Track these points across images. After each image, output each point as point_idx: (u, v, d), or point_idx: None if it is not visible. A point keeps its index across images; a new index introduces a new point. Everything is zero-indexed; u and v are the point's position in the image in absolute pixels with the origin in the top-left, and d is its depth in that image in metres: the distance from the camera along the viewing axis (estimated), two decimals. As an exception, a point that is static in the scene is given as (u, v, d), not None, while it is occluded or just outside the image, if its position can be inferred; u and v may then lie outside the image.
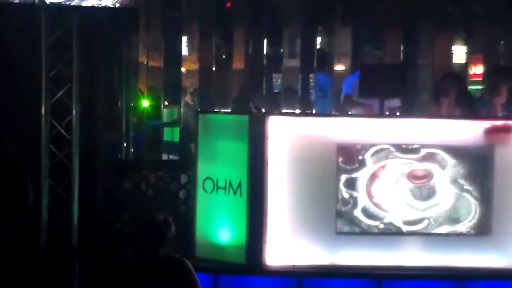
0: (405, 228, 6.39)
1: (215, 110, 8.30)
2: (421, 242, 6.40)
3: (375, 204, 6.37)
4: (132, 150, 8.79)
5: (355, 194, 6.36)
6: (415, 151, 6.37)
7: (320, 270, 6.33)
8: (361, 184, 6.36)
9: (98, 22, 7.06)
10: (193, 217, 6.62)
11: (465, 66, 9.90)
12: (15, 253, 6.01)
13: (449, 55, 9.75)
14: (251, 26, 9.44)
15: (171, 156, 9.05)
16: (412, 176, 6.39)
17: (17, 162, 5.12)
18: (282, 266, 6.32)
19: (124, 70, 8.60)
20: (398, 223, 6.38)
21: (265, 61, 9.28)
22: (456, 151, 6.39)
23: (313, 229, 6.34)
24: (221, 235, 6.47)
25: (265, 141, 6.30)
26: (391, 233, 6.39)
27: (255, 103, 9.18)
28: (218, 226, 6.49)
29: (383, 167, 6.37)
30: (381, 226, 6.38)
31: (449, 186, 6.39)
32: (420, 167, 6.38)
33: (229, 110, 8.97)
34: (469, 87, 9.35)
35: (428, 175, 6.39)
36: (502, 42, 9.75)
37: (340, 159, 6.35)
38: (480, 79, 10.58)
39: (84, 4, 6.57)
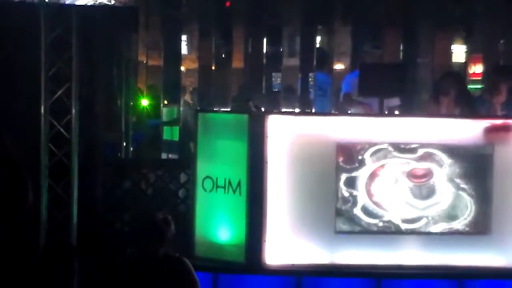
0: (404, 226, 6.39)
1: (214, 109, 8.29)
2: (421, 241, 6.40)
3: (375, 203, 6.37)
4: (131, 149, 8.78)
5: (354, 192, 6.36)
6: (413, 150, 6.37)
7: (319, 269, 6.34)
8: (360, 183, 6.36)
9: (98, 21, 7.05)
10: (193, 216, 6.61)
11: (464, 65, 9.90)
12: (14, 252, 6.01)
13: (449, 54, 9.75)
14: (251, 25, 9.43)
15: (170, 155, 9.04)
16: (412, 175, 6.39)
17: (16, 162, 5.11)
18: (281, 265, 6.32)
19: (123, 69, 8.59)
20: (397, 221, 6.38)
21: (264, 60, 9.27)
22: (455, 150, 6.39)
23: (312, 228, 6.34)
24: (221, 234, 6.47)
25: (264, 140, 6.30)
26: (391, 232, 6.39)
27: (254, 102, 9.18)
28: (218, 225, 6.49)
29: (382, 166, 6.37)
30: (380, 224, 6.38)
31: (447, 185, 6.39)
32: (420, 166, 6.38)
33: (228, 109, 8.97)
34: (468, 86, 9.35)
35: (427, 174, 6.39)
36: (501, 41, 9.75)
37: (340, 158, 6.35)
38: (479, 78, 10.57)
39: (81, 3, 6.56)
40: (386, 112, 7.50)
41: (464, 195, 6.40)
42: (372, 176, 6.37)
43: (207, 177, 6.55)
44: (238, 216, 6.38)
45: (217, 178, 6.49)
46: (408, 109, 8.49)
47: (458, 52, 10.19)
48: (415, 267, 6.38)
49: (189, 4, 8.98)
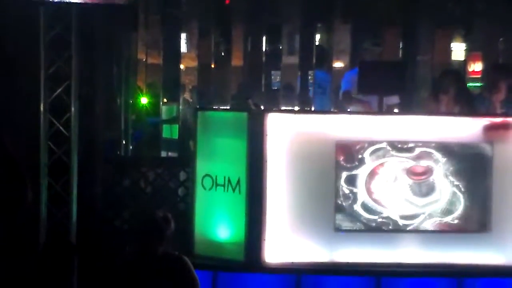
0: (402, 222, 6.38)
1: (214, 107, 8.29)
2: (420, 239, 6.41)
3: (374, 200, 6.37)
4: (131, 147, 8.78)
5: (354, 190, 6.36)
6: (412, 148, 6.37)
7: (319, 267, 6.34)
8: (360, 181, 6.36)
9: (97, 19, 7.05)
10: (192, 214, 6.61)
11: (464, 63, 9.89)
12: (14, 250, 6.01)
13: (448, 52, 9.75)
14: (250, 23, 9.43)
15: (170, 153, 9.04)
16: (411, 172, 6.39)
17: (15, 160, 5.11)
18: (281, 263, 6.32)
19: (123, 67, 8.59)
20: (395, 217, 6.38)
21: (264, 58, 9.27)
22: (455, 149, 6.39)
23: (312, 226, 6.34)
24: (220, 232, 6.47)
25: (264, 138, 6.30)
26: (390, 230, 6.39)
27: (254, 100, 9.18)
28: (217, 223, 6.49)
29: (382, 164, 6.37)
30: (379, 220, 6.38)
31: (448, 184, 6.39)
32: (419, 164, 6.38)
33: (228, 107, 8.97)
34: (468, 84, 9.35)
35: (427, 171, 6.39)
36: (501, 39, 9.75)
37: (339, 156, 6.35)
38: (479, 76, 10.57)
39: (81, 1, 6.56)
40: (385, 110, 7.52)
41: (465, 194, 6.41)
42: (372, 174, 6.37)
43: (207, 175, 6.55)
44: (237, 214, 6.38)
45: (216, 176, 6.49)
46: (408, 107, 8.49)
47: (458, 50, 10.18)
48: (415, 265, 6.38)
49: (188, 2, 8.97)
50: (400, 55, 9.35)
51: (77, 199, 6.79)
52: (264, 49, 9.28)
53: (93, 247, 6.84)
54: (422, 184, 6.41)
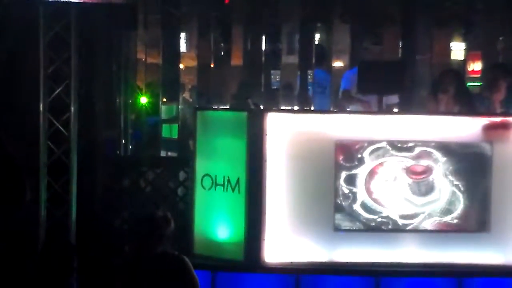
0: (401, 222, 6.38)
1: (213, 107, 8.29)
2: (420, 239, 6.41)
3: (374, 200, 6.37)
4: (130, 147, 8.78)
5: (354, 189, 6.36)
6: (414, 147, 6.37)
7: (318, 267, 6.34)
8: (359, 181, 6.36)
9: (97, 19, 7.05)
10: (192, 214, 6.62)
11: (463, 63, 9.90)
12: (13, 250, 6.02)
13: (448, 51, 9.75)
14: (250, 23, 9.43)
15: (169, 153, 9.04)
16: (411, 171, 6.39)
17: (15, 159, 5.12)
18: (280, 263, 6.32)
19: (122, 67, 8.59)
20: (395, 217, 6.38)
21: (263, 58, 9.26)
22: (454, 148, 6.39)
23: (311, 226, 6.34)
24: (220, 232, 6.47)
25: (263, 137, 6.30)
26: (389, 229, 6.39)
27: (253, 99, 9.18)
28: (217, 223, 6.49)
29: (381, 164, 6.37)
30: (379, 219, 6.38)
31: (447, 183, 6.39)
32: (419, 163, 6.38)
33: (227, 107, 8.97)
34: (467, 84, 9.35)
35: (427, 171, 6.39)
36: (500, 39, 9.75)
37: (339, 156, 6.35)
38: (478, 75, 10.58)
39: (80, 0, 6.56)
40: (385, 110, 7.52)
41: (465, 193, 6.41)
42: (371, 173, 6.37)
43: (206, 175, 6.55)
44: (237, 214, 6.38)
45: (216, 176, 6.49)
46: (407, 107, 8.49)
47: (457, 49, 10.19)
48: (414, 265, 6.38)
49: (188, 2, 8.97)
50: (400, 54, 9.35)
51: (76, 198, 6.79)
52: (263, 48, 9.27)
53: (92, 247, 6.84)
54: (421, 183, 6.41)
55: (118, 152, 8.44)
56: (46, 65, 6.66)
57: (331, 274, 6.36)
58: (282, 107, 9.07)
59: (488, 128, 6.42)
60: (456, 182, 6.39)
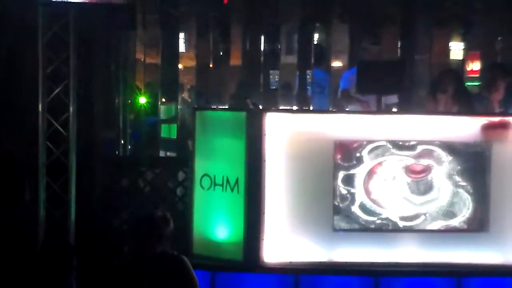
0: (402, 223, 6.39)
1: (212, 107, 8.29)
2: (419, 238, 6.40)
3: (373, 200, 6.37)
4: (129, 147, 8.78)
5: (352, 190, 6.36)
6: (413, 147, 6.37)
7: (317, 267, 6.33)
8: (358, 181, 6.36)
9: (95, 19, 7.04)
10: (191, 214, 6.61)
11: (462, 63, 9.90)
12: (12, 250, 6.02)
13: (447, 51, 9.76)
14: (249, 23, 9.43)
15: (168, 153, 9.05)
16: (410, 171, 6.39)
17: (14, 159, 5.13)
18: (279, 263, 6.32)
19: (121, 67, 8.59)
20: (395, 219, 6.38)
21: (262, 58, 9.27)
22: (453, 148, 6.39)
23: (310, 226, 6.34)
24: (219, 232, 6.47)
25: (262, 137, 6.29)
26: (389, 229, 6.39)
27: (252, 99, 9.18)
28: (216, 223, 6.48)
29: (380, 163, 6.37)
30: (378, 221, 6.38)
31: (446, 182, 6.39)
32: (419, 162, 6.38)
33: (226, 107, 8.97)
34: (466, 84, 9.35)
35: (426, 170, 6.39)
36: (499, 39, 9.76)
37: (338, 156, 6.35)
38: (477, 75, 10.59)
39: (79, 0, 6.55)
40: (384, 110, 7.52)
41: (462, 192, 6.41)
42: (370, 173, 6.37)
43: (205, 175, 6.54)
44: (236, 214, 6.38)
45: (215, 176, 6.49)
46: (406, 106, 8.50)
47: (456, 49, 10.19)
48: (413, 264, 6.38)
49: (186, 2, 8.97)
50: (399, 54, 9.36)
51: (75, 199, 6.79)
52: (262, 48, 9.28)
53: (91, 247, 6.84)
54: (420, 182, 6.40)
55: (117, 152, 8.45)
56: (45, 65, 6.66)
57: (330, 274, 6.35)
58: (281, 107, 9.08)
59: (487, 128, 6.41)
60: (455, 182, 6.39)
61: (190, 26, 9.95)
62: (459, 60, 10.04)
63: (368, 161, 6.36)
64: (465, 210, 6.41)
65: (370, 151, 6.35)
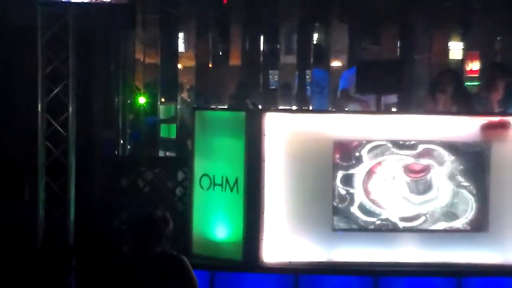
0: (402, 225, 6.39)
1: (211, 107, 8.29)
2: (418, 238, 6.40)
3: (372, 201, 6.37)
4: (128, 147, 8.78)
5: (351, 190, 6.36)
6: (412, 147, 6.37)
7: (317, 266, 6.33)
8: (357, 181, 6.36)
9: (95, 18, 7.04)
10: (190, 214, 6.61)
11: (461, 62, 9.91)
12: (11, 250, 6.01)
13: (446, 51, 9.76)
14: (248, 23, 9.43)
15: (168, 153, 9.04)
16: (409, 170, 6.39)
17: (13, 159, 5.12)
18: (279, 263, 6.32)
19: (120, 67, 8.58)
20: (395, 219, 6.38)
21: (261, 58, 9.28)
22: (453, 147, 6.39)
23: (310, 226, 6.34)
24: (218, 232, 6.47)
25: (261, 137, 6.29)
26: (388, 229, 6.39)
27: (251, 99, 9.19)
28: (215, 223, 6.48)
29: (379, 163, 6.37)
30: (378, 222, 6.38)
31: (446, 182, 6.39)
32: (418, 162, 6.38)
33: (225, 107, 8.98)
34: (465, 83, 9.36)
35: (425, 169, 6.39)
36: (498, 39, 9.77)
37: (337, 156, 6.35)
38: (476, 75, 10.60)
39: (78, 0, 6.55)
40: (384, 109, 7.52)
41: (464, 192, 6.40)
42: (369, 173, 6.37)
43: (205, 175, 6.54)
44: (235, 214, 6.38)
45: (214, 176, 6.49)
46: (405, 106, 8.50)
47: (455, 49, 10.20)
48: (413, 264, 6.38)
49: (186, 2, 8.97)
50: (398, 54, 9.37)
51: (74, 199, 6.78)
52: (262, 48, 9.29)
53: (91, 247, 6.83)
54: (419, 181, 6.40)
55: (116, 152, 8.44)
56: (44, 65, 6.65)
57: (329, 274, 6.35)
58: (280, 107, 9.09)
59: (486, 128, 6.41)
60: (456, 182, 6.39)
61: (189, 26, 9.96)
62: (458, 60, 10.05)
63: (368, 161, 6.36)
64: (468, 212, 6.40)
65: (370, 151, 6.35)
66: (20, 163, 6.47)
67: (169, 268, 5.48)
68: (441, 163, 6.39)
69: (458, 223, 6.40)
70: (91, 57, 7.38)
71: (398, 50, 9.36)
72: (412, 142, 6.37)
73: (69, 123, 6.74)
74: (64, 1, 6.57)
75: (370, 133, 6.37)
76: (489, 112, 7.36)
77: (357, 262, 6.35)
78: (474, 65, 10.95)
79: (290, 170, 6.35)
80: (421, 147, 6.37)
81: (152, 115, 9.02)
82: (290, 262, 6.32)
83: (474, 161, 6.40)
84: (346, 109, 8.39)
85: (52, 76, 6.70)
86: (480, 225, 6.41)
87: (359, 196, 6.36)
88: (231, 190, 6.40)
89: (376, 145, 6.35)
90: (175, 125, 8.93)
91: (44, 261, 6.50)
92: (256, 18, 9.29)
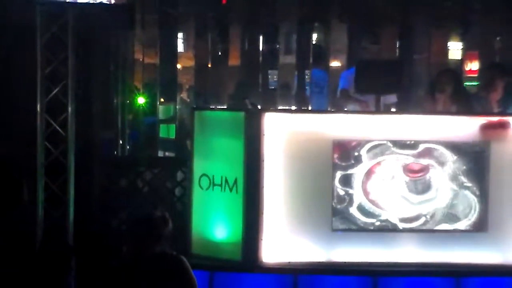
0: (402, 226, 6.38)
1: (211, 107, 8.29)
2: (417, 238, 6.40)
3: (371, 201, 6.37)
4: (128, 147, 8.78)
5: (350, 191, 6.36)
6: (413, 146, 6.36)
7: (316, 267, 6.33)
8: (356, 181, 6.36)
9: (94, 18, 7.04)
10: (189, 214, 6.61)
11: (460, 62, 9.91)
12: (10, 250, 6.01)
13: (445, 51, 9.76)
14: (247, 23, 9.43)
15: (167, 153, 9.04)
16: (408, 170, 6.39)
17: (12, 159, 5.12)
18: (278, 263, 6.32)
19: (119, 67, 8.58)
20: (395, 221, 6.38)
21: (261, 58, 9.28)
22: (451, 147, 6.39)
23: (309, 226, 6.33)
24: (217, 232, 6.47)
25: (261, 138, 6.29)
26: (388, 229, 6.38)
27: (251, 99, 9.19)
28: (214, 223, 6.48)
29: (379, 163, 6.37)
30: (377, 223, 6.38)
31: (445, 182, 6.39)
32: (418, 161, 6.38)
33: (225, 107, 8.98)
34: (464, 83, 9.36)
35: (424, 169, 6.39)
36: (498, 38, 9.77)
37: (336, 156, 6.35)
38: (475, 75, 10.60)
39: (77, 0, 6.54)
40: (383, 109, 7.52)
41: (467, 193, 6.40)
42: (369, 173, 6.37)
43: (204, 175, 6.54)
44: (234, 214, 6.38)
45: (213, 176, 6.49)
46: (404, 106, 8.50)
47: (454, 49, 10.20)
48: (412, 264, 6.38)
49: (185, 2, 8.97)
50: (397, 54, 9.37)
51: (74, 199, 6.78)
52: (261, 48, 9.28)
53: (90, 248, 6.83)
54: (417, 181, 6.40)
55: (115, 152, 8.44)
56: (43, 65, 6.65)
57: (329, 274, 6.35)
58: (280, 107, 9.08)
59: (486, 128, 6.41)
60: (455, 182, 6.38)
61: (188, 26, 9.95)
62: (458, 59, 10.05)
63: (367, 161, 6.36)
64: (472, 214, 6.40)
65: (369, 150, 6.35)
66: (19, 163, 6.47)
67: (169, 268, 5.48)
68: (440, 163, 6.38)
69: (461, 225, 6.39)
70: (90, 57, 7.38)
71: (397, 50, 9.36)
72: (412, 142, 6.37)
73: (68, 123, 6.74)
74: (63, 1, 6.57)
75: (369, 133, 6.37)
76: (488, 112, 7.36)
77: (356, 262, 6.35)
78: (473, 65, 10.95)
79: (290, 170, 6.35)
80: (421, 147, 6.36)
81: (151, 115, 9.02)
82: (289, 262, 6.32)
83: (474, 161, 6.40)
84: (346, 109, 8.40)
85: (51, 76, 6.70)
86: (479, 225, 6.41)
87: (358, 197, 6.36)
88: (230, 190, 6.40)
89: (376, 144, 6.35)
90: (174, 125, 8.93)
91: (43, 262, 6.50)
92: (255, 18, 9.29)
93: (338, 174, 6.34)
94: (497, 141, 6.42)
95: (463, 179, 6.40)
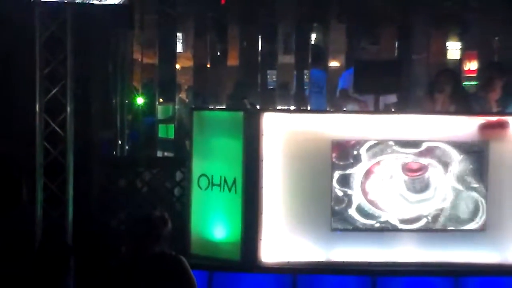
0: (402, 228, 6.38)
1: (209, 107, 8.29)
2: (416, 238, 6.41)
3: (370, 202, 6.37)
4: (127, 147, 8.77)
5: (349, 191, 6.36)
6: (415, 144, 6.36)
7: (315, 266, 6.34)
8: (355, 181, 6.36)
9: (93, 18, 7.04)
10: (188, 214, 6.61)
11: (459, 62, 9.91)
12: (10, 250, 6.01)
13: (444, 51, 9.76)
14: (246, 23, 9.43)
15: (166, 153, 9.03)
16: (407, 169, 6.39)
17: (11, 159, 5.12)
18: (277, 263, 6.32)
19: (118, 67, 8.58)
20: (394, 222, 6.38)
21: (259, 58, 9.27)
22: (451, 147, 6.39)
23: (308, 225, 6.34)
24: (216, 232, 6.47)
25: (260, 137, 6.30)
26: (387, 229, 6.38)
27: (250, 99, 9.19)
28: (213, 223, 6.49)
29: (378, 163, 6.37)
30: (377, 225, 6.38)
31: (445, 182, 6.39)
32: (417, 161, 6.38)
33: (224, 107, 8.97)
34: (463, 83, 9.36)
35: (422, 168, 6.39)
36: (496, 38, 9.77)
37: (335, 155, 6.35)
38: (474, 75, 10.60)
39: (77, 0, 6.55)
40: (382, 109, 7.52)
41: (466, 194, 6.40)
42: (368, 173, 6.37)
43: (203, 175, 6.55)
44: (233, 214, 6.38)
45: (212, 176, 6.49)
46: (403, 106, 8.50)
47: (453, 49, 10.20)
48: (411, 264, 6.38)
49: (184, 2, 8.96)
50: (396, 54, 9.36)
51: (73, 199, 6.78)
52: (259, 48, 9.28)
53: (89, 248, 6.83)
54: (416, 180, 6.40)
55: (114, 152, 8.44)
56: (42, 65, 6.65)
57: (328, 273, 6.36)
58: (279, 107, 9.08)
59: (484, 128, 6.42)
60: (467, 184, 6.38)
61: (187, 26, 9.95)
62: (456, 59, 10.04)
63: (366, 161, 6.36)
64: (478, 217, 6.40)
65: (368, 149, 6.35)
66: (18, 163, 6.47)
67: (168, 269, 5.48)
68: (440, 162, 6.38)
69: (469, 228, 6.39)
70: (89, 58, 7.38)
71: (396, 50, 9.36)
72: (412, 141, 6.37)
73: (67, 124, 6.74)
74: (62, 1, 6.57)
75: (368, 133, 6.38)
76: (487, 112, 7.36)
77: (355, 261, 6.35)
78: (472, 65, 10.95)
79: (289, 170, 6.35)
80: (422, 146, 6.37)
81: (150, 115, 9.00)
82: (288, 262, 6.33)
83: (473, 161, 6.40)
84: (345, 109, 8.40)
85: (50, 76, 6.70)
86: (482, 225, 6.42)
87: (357, 197, 6.36)
88: (229, 190, 6.40)
89: (376, 143, 6.35)
90: (173, 125, 8.92)
91: (42, 261, 6.50)
92: (254, 18, 9.29)
93: (337, 174, 6.34)
94: (496, 140, 6.42)
95: (464, 179, 6.40)
